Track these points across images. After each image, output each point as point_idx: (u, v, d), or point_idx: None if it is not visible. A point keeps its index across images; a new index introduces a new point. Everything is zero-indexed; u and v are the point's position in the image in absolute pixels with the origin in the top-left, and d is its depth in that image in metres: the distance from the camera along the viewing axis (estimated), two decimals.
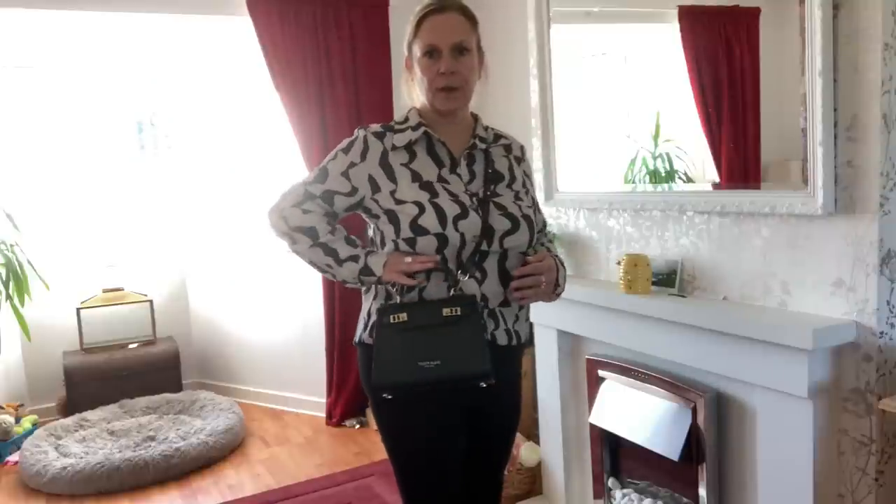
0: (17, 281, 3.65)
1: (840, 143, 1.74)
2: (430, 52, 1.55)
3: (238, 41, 3.90)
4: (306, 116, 3.69)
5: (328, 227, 1.61)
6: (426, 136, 1.61)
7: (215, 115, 4.46)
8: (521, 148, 1.78)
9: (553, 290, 1.67)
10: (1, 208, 3.75)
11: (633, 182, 2.49)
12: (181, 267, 4.69)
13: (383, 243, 1.61)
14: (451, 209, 1.53)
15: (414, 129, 1.61)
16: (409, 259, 1.52)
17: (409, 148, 1.61)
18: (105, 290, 4.36)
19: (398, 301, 1.57)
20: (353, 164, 1.59)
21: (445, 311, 1.51)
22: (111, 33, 4.21)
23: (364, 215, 1.66)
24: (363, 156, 1.59)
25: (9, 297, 3.63)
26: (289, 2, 3.59)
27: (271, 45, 3.59)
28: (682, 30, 2.25)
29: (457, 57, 1.56)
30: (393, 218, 1.55)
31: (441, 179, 1.58)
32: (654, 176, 2.42)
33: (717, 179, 2.20)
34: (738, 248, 2.06)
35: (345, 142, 1.64)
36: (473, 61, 1.60)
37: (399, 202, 1.55)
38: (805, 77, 1.77)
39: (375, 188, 1.58)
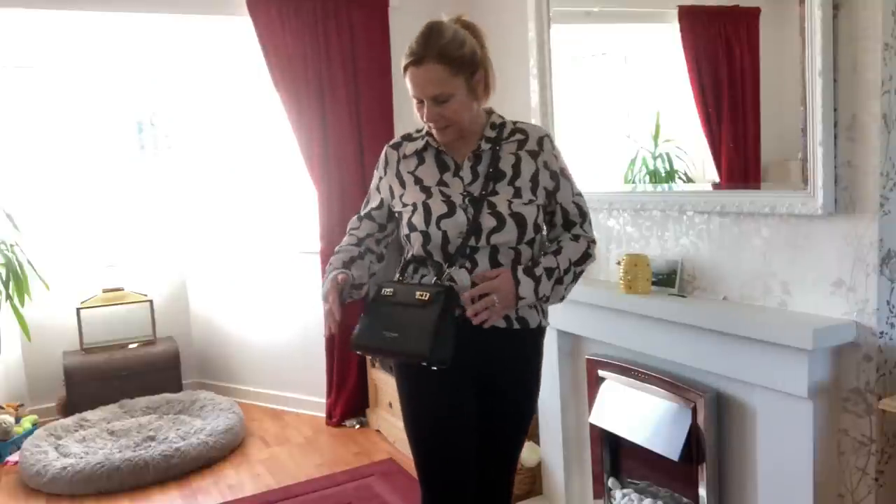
0: (17, 281, 3.65)
1: (840, 143, 1.74)
2: (417, 99, 1.68)
3: (238, 41, 3.90)
4: (306, 116, 3.69)
5: (355, 248, 1.80)
6: (431, 145, 1.77)
7: (215, 115, 4.46)
8: (540, 139, 1.78)
9: (514, 303, 1.67)
10: (1, 208, 3.75)
11: (633, 182, 2.49)
12: (181, 267, 4.69)
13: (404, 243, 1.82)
14: (439, 209, 1.68)
15: (422, 138, 1.78)
16: (328, 302, 1.67)
17: (419, 155, 1.78)
18: (105, 290, 4.36)
19: (395, 279, 1.77)
20: (380, 179, 1.83)
21: (418, 294, 1.64)
22: (111, 33, 4.21)
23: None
24: (385, 169, 1.82)
25: (9, 297, 3.63)
26: (289, 2, 3.59)
27: (271, 44, 3.59)
28: (682, 30, 2.26)
29: (438, 105, 1.64)
30: (401, 219, 1.77)
31: (441, 183, 1.73)
32: (654, 176, 2.42)
33: (717, 179, 2.20)
34: (738, 248, 2.06)
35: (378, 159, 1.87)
36: (456, 103, 1.65)
37: (404, 205, 1.75)
38: (805, 77, 1.77)
39: (392, 195, 1.79)
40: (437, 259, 1.70)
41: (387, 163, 1.81)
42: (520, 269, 1.68)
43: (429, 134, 1.75)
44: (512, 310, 1.71)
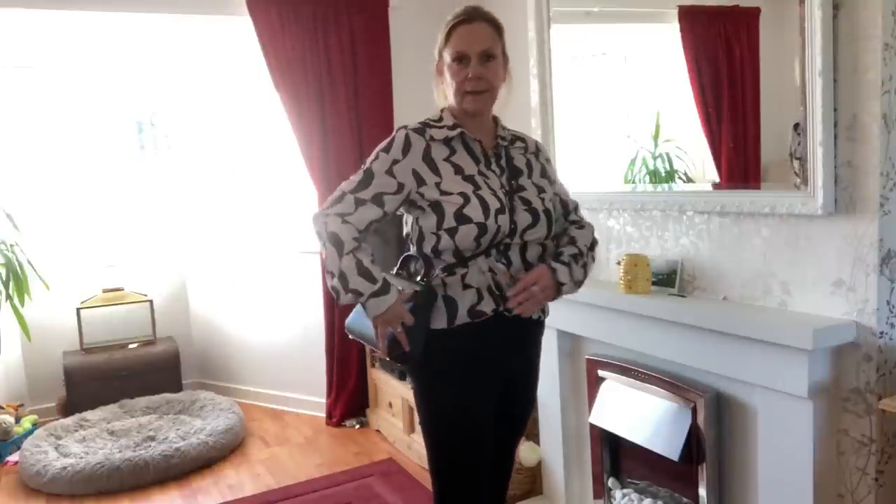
0: (17, 281, 3.65)
1: (840, 143, 1.74)
2: (460, 59, 1.68)
3: (238, 41, 3.90)
4: (306, 116, 3.69)
5: (354, 242, 1.65)
6: (461, 135, 1.73)
7: (215, 115, 4.46)
8: (536, 144, 1.90)
9: (556, 290, 1.75)
10: (1, 208, 3.75)
11: (633, 182, 2.49)
12: (181, 267, 4.69)
13: (421, 237, 1.70)
14: (493, 202, 1.65)
15: (451, 128, 1.72)
16: (399, 326, 1.64)
17: (448, 143, 1.72)
18: (105, 290, 4.36)
19: (394, 272, 1.77)
20: (395, 161, 1.67)
21: (399, 289, 1.67)
22: (111, 33, 4.21)
23: (405, 211, 1.75)
24: (405, 152, 1.68)
25: (9, 297, 3.63)
26: (289, 2, 3.59)
27: (271, 44, 3.59)
28: (682, 30, 2.25)
29: (483, 63, 1.68)
30: (437, 209, 1.65)
31: (481, 173, 1.71)
32: (654, 176, 2.42)
33: (717, 179, 2.20)
34: (738, 248, 2.06)
35: (384, 142, 1.71)
36: (499, 67, 1.73)
37: (445, 193, 1.65)
38: (805, 77, 1.77)
39: (420, 181, 1.67)
40: (478, 251, 1.66)
41: (409, 145, 1.67)
42: (549, 259, 1.75)
43: (457, 125, 1.71)
44: (552, 298, 1.76)
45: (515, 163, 1.79)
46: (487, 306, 1.67)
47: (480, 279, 1.67)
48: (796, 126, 1.88)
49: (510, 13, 3.12)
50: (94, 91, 4.43)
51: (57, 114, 4.37)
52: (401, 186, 1.66)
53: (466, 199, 1.63)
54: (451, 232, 1.63)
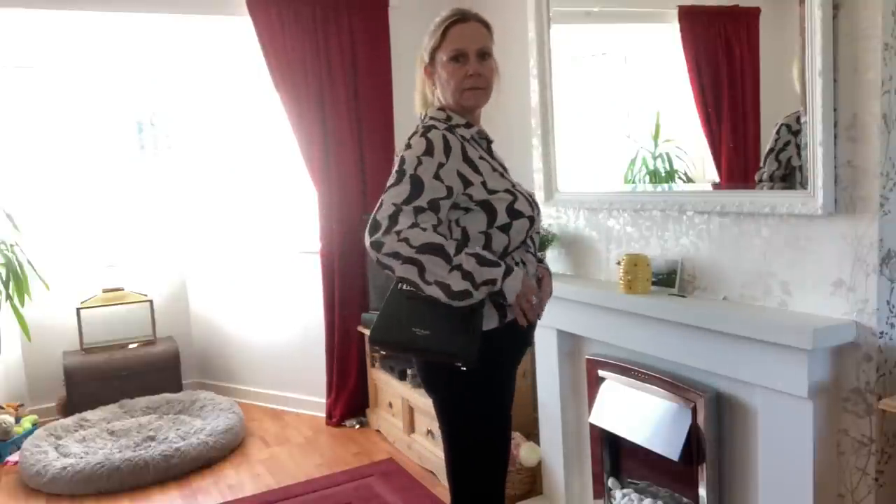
0: (17, 281, 3.65)
1: (840, 143, 1.74)
2: (457, 57, 1.70)
3: (238, 41, 3.90)
4: (306, 116, 3.69)
5: (454, 242, 1.57)
6: (478, 133, 1.77)
7: (215, 115, 4.46)
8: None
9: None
10: (1, 208, 3.75)
11: (633, 182, 2.49)
12: (181, 267, 4.69)
13: (466, 238, 1.65)
14: (529, 195, 1.74)
15: (466, 126, 1.75)
16: (534, 297, 1.63)
17: (474, 142, 1.75)
18: (105, 290, 4.36)
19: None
20: (441, 165, 1.60)
21: None
22: (111, 33, 4.21)
23: (448, 213, 1.66)
24: (447, 154, 1.62)
25: (9, 297, 3.63)
26: (289, 2, 3.60)
27: (271, 44, 3.59)
28: (682, 30, 2.25)
29: (481, 61, 1.72)
30: (488, 207, 1.64)
31: (504, 169, 1.77)
32: (654, 176, 2.42)
33: (717, 179, 2.20)
34: (738, 248, 2.06)
35: (421, 145, 1.61)
36: (493, 64, 1.77)
37: (492, 192, 1.66)
38: (805, 77, 1.77)
39: (467, 182, 1.64)
40: (519, 245, 1.71)
41: (448, 147, 1.61)
42: (545, 264, 1.91)
43: (469, 124, 1.75)
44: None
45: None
46: None
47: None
48: (780, 127, 1.89)
49: (510, 13, 3.13)
50: (94, 91, 4.43)
51: (57, 114, 4.37)
52: (450, 191, 1.60)
53: (514, 195, 1.68)
54: (505, 228, 1.66)
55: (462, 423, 1.74)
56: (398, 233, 1.52)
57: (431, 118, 1.72)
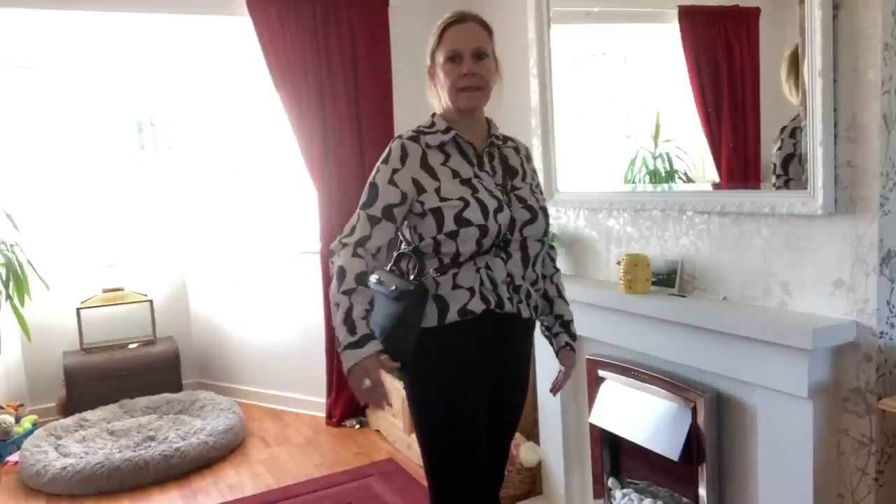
0: (17, 281, 3.65)
1: (840, 143, 1.74)
2: (453, 58, 1.70)
3: (238, 41, 3.90)
4: (306, 116, 3.69)
5: (354, 283, 1.65)
6: (454, 138, 1.74)
7: (215, 115, 4.46)
8: (527, 149, 1.93)
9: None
10: (1, 208, 3.75)
11: (633, 182, 2.49)
12: (181, 267, 4.69)
13: (422, 240, 1.71)
14: (491, 203, 1.68)
15: (444, 132, 1.74)
16: (366, 385, 1.63)
17: (442, 149, 1.73)
18: (105, 290, 4.36)
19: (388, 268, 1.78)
20: (395, 171, 1.70)
21: (393, 286, 1.70)
22: (111, 33, 4.21)
23: (405, 219, 1.75)
24: (403, 161, 1.70)
25: (9, 297, 3.63)
26: (289, 2, 3.59)
27: (271, 44, 3.59)
28: (682, 30, 2.25)
29: (477, 61, 1.71)
30: (437, 214, 1.67)
31: (476, 176, 1.73)
32: (654, 176, 2.42)
33: (717, 179, 2.20)
34: (738, 248, 2.06)
35: (383, 154, 1.74)
36: (492, 66, 1.75)
37: (444, 199, 1.67)
38: (805, 77, 1.77)
39: (420, 189, 1.69)
40: (483, 251, 1.68)
41: (405, 154, 1.70)
42: (569, 341, 1.97)
43: (450, 129, 1.73)
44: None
45: (510, 162, 1.81)
46: (477, 306, 1.67)
47: (472, 278, 1.68)
48: (783, 129, 1.89)
49: (510, 13, 3.13)
50: (94, 91, 4.43)
51: (57, 114, 4.37)
52: (404, 196, 1.69)
53: (466, 203, 1.66)
54: (452, 235, 1.65)
55: (417, 420, 1.78)
56: (343, 247, 1.68)
57: (413, 128, 1.78)
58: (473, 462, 1.74)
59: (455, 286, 1.68)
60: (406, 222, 1.74)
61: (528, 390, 1.95)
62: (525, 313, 1.76)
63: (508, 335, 1.77)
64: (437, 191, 1.67)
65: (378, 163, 1.73)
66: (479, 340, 1.71)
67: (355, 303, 1.64)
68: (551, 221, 2.72)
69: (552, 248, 1.96)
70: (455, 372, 1.71)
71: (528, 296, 1.78)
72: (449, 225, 1.65)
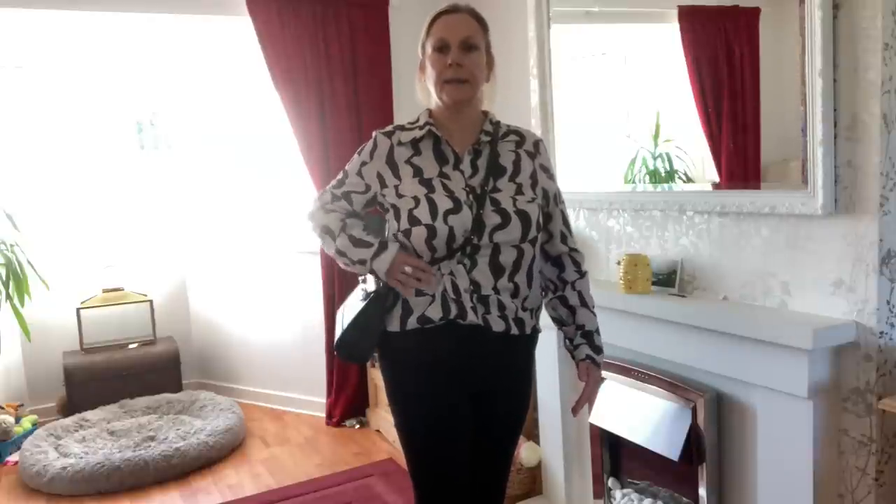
0: (17, 281, 3.65)
1: (840, 143, 1.74)
2: (441, 48, 1.65)
3: (238, 41, 3.90)
4: (306, 116, 3.69)
5: (341, 224, 1.74)
6: (432, 134, 1.69)
7: (215, 115, 4.46)
8: (536, 143, 1.79)
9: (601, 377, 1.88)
10: (1, 208, 3.75)
11: (633, 182, 2.49)
12: (181, 267, 4.69)
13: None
14: (444, 204, 1.61)
15: (421, 127, 1.70)
16: (407, 267, 1.61)
17: (415, 145, 1.70)
18: (105, 290, 4.36)
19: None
20: (364, 164, 1.73)
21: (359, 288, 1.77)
22: (111, 33, 4.21)
23: (380, 210, 1.77)
24: (372, 154, 1.72)
25: (9, 297, 3.63)
26: (289, 2, 3.59)
27: (271, 44, 3.59)
28: (682, 30, 2.25)
29: (464, 52, 1.65)
30: (395, 211, 1.66)
31: (442, 175, 1.67)
32: (654, 176, 2.42)
33: (717, 179, 2.20)
34: (738, 248, 2.06)
35: (361, 146, 1.78)
36: (481, 59, 1.69)
37: (401, 196, 1.65)
38: (805, 77, 1.77)
39: (383, 184, 1.70)
40: (438, 255, 1.62)
41: (375, 148, 1.71)
42: (591, 353, 1.84)
43: (428, 124, 1.69)
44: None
45: (500, 161, 1.70)
46: (435, 313, 1.62)
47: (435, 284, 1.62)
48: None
49: (510, 13, 3.13)
50: (94, 91, 4.43)
51: (56, 114, 4.37)
52: (367, 188, 1.72)
53: (417, 202, 1.62)
54: (406, 234, 1.63)
55: (394, 425, 1.78)
56: (314, 213, 1.78)
57: (398, 123, 1.79)
58: (446, 470, 1.70)
59: (419, 291, 1.63)
60: (385, 215, 1.75)
61: (525, 404, 1.85)
62: (497, 326, 1.64)
63: (479, 347, 1.66)
64: (397, 188, 1.67)
65: (356, 151, 1.78)
66: (443, 350, 1.64)
67: (351, 232, 1.71)
68: None
69: (576, 251, 1.82)
70: (422, 378, 1.67)
71: (502, 307, 1.65)
72: (403, 223, 1.63)
